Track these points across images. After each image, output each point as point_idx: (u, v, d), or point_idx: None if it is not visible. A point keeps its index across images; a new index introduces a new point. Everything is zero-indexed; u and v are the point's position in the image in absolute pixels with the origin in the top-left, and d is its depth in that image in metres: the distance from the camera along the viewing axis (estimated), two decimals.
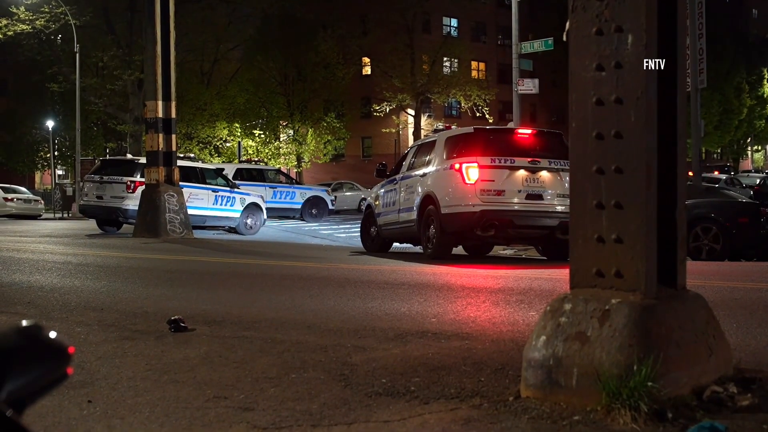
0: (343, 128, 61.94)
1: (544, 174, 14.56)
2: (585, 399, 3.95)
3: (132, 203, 24.44)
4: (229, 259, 15.22)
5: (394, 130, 66.14)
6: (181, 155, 27.37)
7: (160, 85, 22.83)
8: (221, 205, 26.87)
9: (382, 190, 17.65)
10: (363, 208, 18.85)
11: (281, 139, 61.64)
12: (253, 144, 59.71)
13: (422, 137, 18.90)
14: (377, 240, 17.84)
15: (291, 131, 61.35)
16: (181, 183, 23.63)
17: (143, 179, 23.70)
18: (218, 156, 58.88)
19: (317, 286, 10.11)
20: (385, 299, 8.70)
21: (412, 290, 9.59)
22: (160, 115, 22.81)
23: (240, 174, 34.38)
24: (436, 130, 17.12)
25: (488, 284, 10.52)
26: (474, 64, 72.13)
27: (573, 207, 4.31)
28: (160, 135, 22.82)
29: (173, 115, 23.20)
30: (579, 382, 4.00)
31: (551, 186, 14.57)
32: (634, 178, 4.09)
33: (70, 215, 44.83)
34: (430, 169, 15.52)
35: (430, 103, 66.99)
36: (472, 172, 14.40)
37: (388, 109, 62.84)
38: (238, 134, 58.86)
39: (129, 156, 28.72)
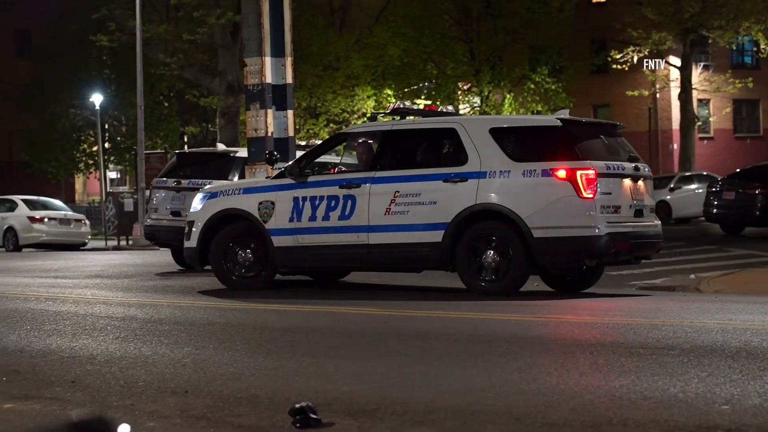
0: (561, 91, 61.66)
1: (641, 183, 17.47)
2: None
3: None
4: (387, 310, 15.18)
5: (647, 93, 65.27)
6: (303, 143, 27.73)
7: (267, 31, 23.14)
8: None
9: (289, 193, 17.96)
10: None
11: (462, 112, 61.94)
12: None
13: (386, 119, 19.82)
14: (266, 268, 18.30)
15: (477, 99, 61.52)
16: None
17: None
18: None
19: (528, 352, 10.08)
20: (641, 372, 8.59)
21: (684, 356, 9.43)
22: (269, 79, 23.09)
23: None
24: (398, 110, 18.94)
25: None
26: None
27: None
28: (270, 112, 23.12)
29: (290, 80, 23.48)
30: None
31: (647, 198, 17.61)
32: None
33: (130, 243, 45.86)
34: (471, 171, 16.95)
35: (706, 46, 65.85)
36: (590, 181, 16.38)
37: (636, 58, 62.09)
38: None
39: (220, 147, 29.24)
